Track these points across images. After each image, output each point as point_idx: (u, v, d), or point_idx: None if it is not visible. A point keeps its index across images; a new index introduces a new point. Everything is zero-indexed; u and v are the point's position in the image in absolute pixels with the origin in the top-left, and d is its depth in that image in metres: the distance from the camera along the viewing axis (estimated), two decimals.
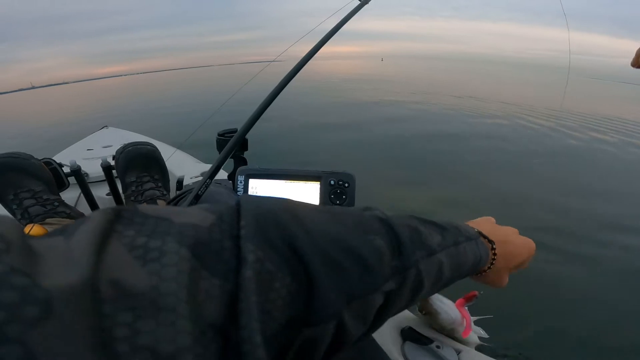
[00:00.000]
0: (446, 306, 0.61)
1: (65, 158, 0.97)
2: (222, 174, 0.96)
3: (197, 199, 0.42)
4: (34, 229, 0.58)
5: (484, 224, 0.43)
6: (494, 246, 0.40)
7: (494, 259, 0.40)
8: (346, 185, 0.64)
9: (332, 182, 0.63)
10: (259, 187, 0.63)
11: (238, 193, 0.61)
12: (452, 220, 0.37)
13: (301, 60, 0.50)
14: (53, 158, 0.83)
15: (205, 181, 0.42)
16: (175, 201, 0.50)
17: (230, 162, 0.70)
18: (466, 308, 0.61)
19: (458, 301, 0.60)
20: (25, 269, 0.12)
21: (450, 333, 0.63)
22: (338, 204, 0.64)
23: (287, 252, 0.20)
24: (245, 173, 0.61)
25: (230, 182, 0.78)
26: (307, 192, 0.64)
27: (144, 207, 0.19)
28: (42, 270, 0.12)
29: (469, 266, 0.35)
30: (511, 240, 0.43)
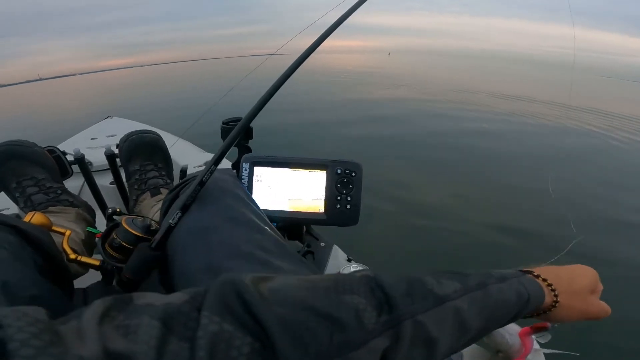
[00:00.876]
0: (507, 330, 0.55)
1: (69, 147, 0.96)
2: (226, 164, 0.95)
3: (201, 185, 0.41)
4: (35, 217, 0.58)
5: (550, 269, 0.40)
6: (549, 283, 0.37)
7: (555, 297, 0.37)
8: (353, 174, 0.63)
9: (339, 171, 0.62)
10: (264, 175, 0.61)
11: (242, 181, 0.60)
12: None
13: (304, 52, 0.48)
14: (57, 146, 0.82)
15: (210, 168, 0.41)
16: (179, 188, 0.49)
17: (234, 152, 0.69)
18: (533, 338, 0.54)
19: (524, 329, 0.54)
20: (56, 343, 0.18)
21: (500, 357, 0.57)
22: (344, 194, 0.63)
23: (243, 315, 0.22)
24: (250, 161, 0.60)
25: (234, 171, 0.77)
26: (313, 181, 0.62)
27: (137, 296, 0.24)
28: (67, 344, 0.18)
29: (512, 306, 0.32)
30: (573, 271, 0.40)
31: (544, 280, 0.37)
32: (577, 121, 5.80)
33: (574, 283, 0.39)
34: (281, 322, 0.22)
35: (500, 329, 0.54)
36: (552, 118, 5.96)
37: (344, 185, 0.62)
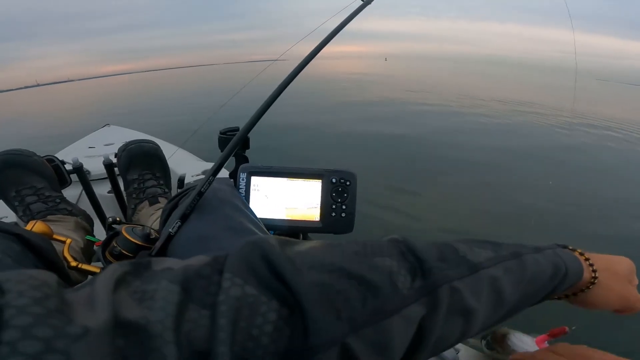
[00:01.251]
0: (524, 344, 0.50)
1: (67, 156, 0.97)
2: (224, 173, 0.96)
3: (200, 195, 0.43)
4: (37, 225, 0.59)
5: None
6: (587, 257, 0.34)
7: (594, 273, 0.34)
8: (348, 183, 0.65)
9: (334, 180, 0.64)
10: (261, 185, 0.63)
11: (240, 190, 0.62)
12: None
13: (304, 59, 0.50)
14: (55, 155, 0.83)
15: (208, 178, 0.42)
16: (178, 198, 0.50)
17: (231, 161, 0.71)
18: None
19: (540, 337, 0.49)
20: (60, 311, 0.16)
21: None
22: (339, 202, 0.64)
23: (270, 278, 0.21)
24: (248, 170, 0.61)
25: (232, 180, 0.79)
26: (309, 190, 0.64)
27: (155, 261, 0.22)
28: (73, 313, 0.16)
29: (548, 279, 0.30)
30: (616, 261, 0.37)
31: (581, 254, 0.35)
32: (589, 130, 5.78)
33: (613, 265, 0.36)
34: (311, 285, 0.21)
35: (517, 344, 0.50)
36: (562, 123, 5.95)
37: (338, 194, 0.64)
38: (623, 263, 0.37)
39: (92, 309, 0.17)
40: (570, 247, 0.35)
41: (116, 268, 0.20)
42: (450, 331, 0.25)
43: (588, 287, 0.34)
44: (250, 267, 0.21)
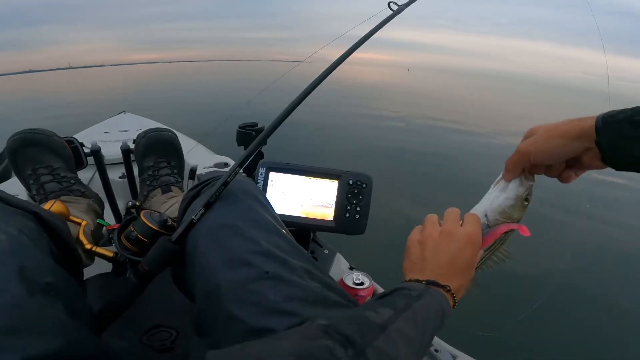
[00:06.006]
0: None
1: (82, 138, 0.98)
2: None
3: (224, 185, 0.44)
4: (55, 206, 0.59)
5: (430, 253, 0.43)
6: (449, 288, 0.40)
7: (454, 297, 0.41)
8: (364, 185, 0.65)
9: (351, 182, 0.64)
10: (278, 181, 0.64)
11: (257, 184, 0.62)
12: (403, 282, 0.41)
13: (332, 63, 0.50)
14: (75, 137, 0.84)
15: (234, 169, 0.43)
16: (200, 187, 0.51)
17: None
18: None
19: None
20: None
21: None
22: (354, 204, 0.65)
23: None
24: (267, 166, 0.62)
25: (245, 174, 0.80)
26: (325, 190, 0.65)
27: None
28: None
29: (435, 317, 0.37)
30: (459, 255, 0.42)
31: (444, 287, 0.40)
32: None
33: (453, 265, 0.42)
34: None
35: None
36: None
37: (354, 196, 0.65)
38: (454, 243, 0.42)
39: None
40: (432, 281, 0.41)
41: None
42: None
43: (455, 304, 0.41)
44: None
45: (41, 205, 0.60)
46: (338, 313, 0.37)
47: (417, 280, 0.41)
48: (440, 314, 0.38)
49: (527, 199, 0.45)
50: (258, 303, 0.37)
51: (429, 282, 0.40)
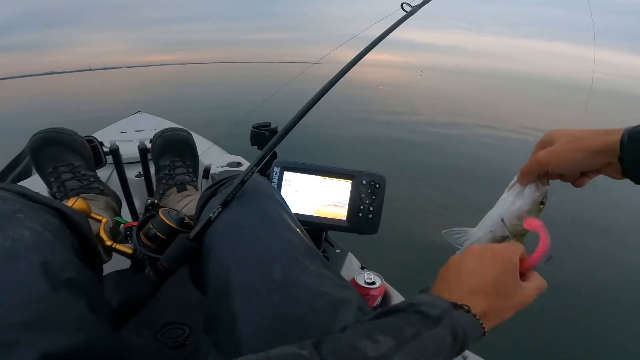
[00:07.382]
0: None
1: (100, 138, 1.00)
2: (247, 166, 0.99)
3: (242, 184, 0.45)
4: (77, 203, 0.61)
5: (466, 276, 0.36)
6: (473, 312, 0.33)
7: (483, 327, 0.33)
8: (377, 186, 0.65)
9: (364, 182, 0.65)
10: (293, 180, 0.64)
11: (272, 183, 0.63)
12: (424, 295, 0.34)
13: (346, 65, 0.51)
14: (94, 136, 0.87)
15: (252, 169, 0.44)
16: (217, 186, 0.52)
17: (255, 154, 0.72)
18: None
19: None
20: None
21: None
22: (367, 204, 0.65)
23: None
24: (282, 165, 0.63)
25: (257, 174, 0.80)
26: (339, 189, 0.65)
27: None
28: None
29: (449, 348, 0.31)
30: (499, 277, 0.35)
31: (469, 311, 0.33)
32: None
33: (496, 290, 0.35)
34: None
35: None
36: None
37: (367, 196, 0.65)
38: (498, 264, 0.36)
39: None
40: (461, 305, 0.34)
41: None
42: None
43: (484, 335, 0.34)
44: None
45: (63, 202, 0.62)
46: (333, 337, 0.31)
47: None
48: (459, 337, 0.31)
49: (542, 202, 0.45)
50: (262, 305, 0.37)
51: (457, 305, 0.33)
